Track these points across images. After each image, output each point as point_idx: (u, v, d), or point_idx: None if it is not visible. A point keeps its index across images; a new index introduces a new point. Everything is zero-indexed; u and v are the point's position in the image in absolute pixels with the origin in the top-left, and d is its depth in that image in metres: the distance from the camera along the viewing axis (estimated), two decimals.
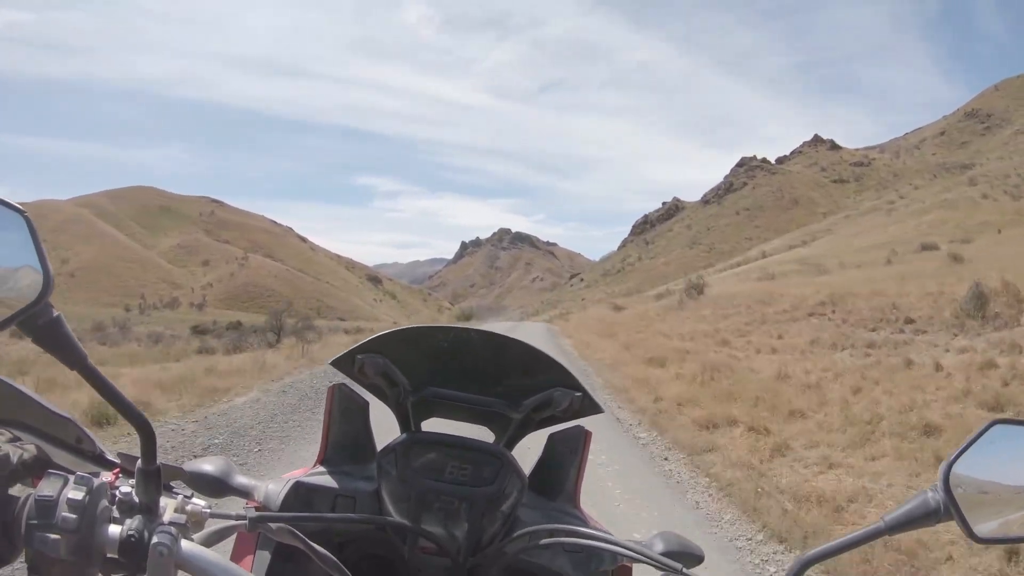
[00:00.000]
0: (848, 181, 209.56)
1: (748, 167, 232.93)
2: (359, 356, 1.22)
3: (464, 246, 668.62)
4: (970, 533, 0.91)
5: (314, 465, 1.28)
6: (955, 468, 0.92)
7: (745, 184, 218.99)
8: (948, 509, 0.90)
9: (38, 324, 0.82)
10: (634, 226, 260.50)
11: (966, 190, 76.81)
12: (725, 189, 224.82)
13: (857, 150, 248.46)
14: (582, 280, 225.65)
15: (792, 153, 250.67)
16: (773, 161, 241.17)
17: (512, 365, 1.30)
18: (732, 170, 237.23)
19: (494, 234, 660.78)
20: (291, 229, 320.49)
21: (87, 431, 0.94)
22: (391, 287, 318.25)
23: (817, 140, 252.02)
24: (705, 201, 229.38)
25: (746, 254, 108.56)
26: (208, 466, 1.11)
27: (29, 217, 0.84)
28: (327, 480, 1.22)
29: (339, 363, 1.25)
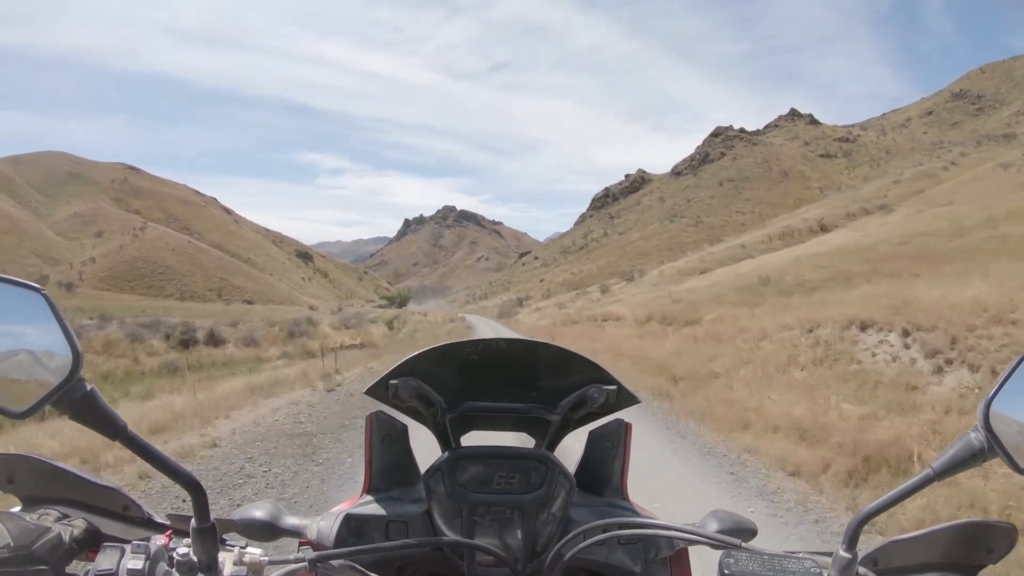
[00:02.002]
0: (836, 156, 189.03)
1: (724, 137, 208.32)
2: (392, 381, 1.21)
3: (407, 223, 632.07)
4: (1016, 467, 0.91)
5: (361, 495, 1.28)
6: (993, 406, 0.90)
7: (723, 155, 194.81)
8: (992, 447, 0.90)
9: (74, 400, 0.83)
10: (594, 200, 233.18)
11: None
12: (700, 160, 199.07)
13: (838, 126, 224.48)
14: (536, 259, 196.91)
15: (767, 127, 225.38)
16: (742, 134, 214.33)
17: (544, 368, 1.28)
18: (706, 140, 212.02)
19: (438, 212, 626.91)
20: (215, 200, 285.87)
21: (133, 497, 0.95)
22: (323, 264, 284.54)
23: (794, 114, 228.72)
24: (677, 173, 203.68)
25: (773, 224, 79.88)
26: (257, 512, 1.11)
27: (48, 295, 0.84)
28: (376, 508, 1.22)
29: (373, 391, 1.24)
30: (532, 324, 50.32)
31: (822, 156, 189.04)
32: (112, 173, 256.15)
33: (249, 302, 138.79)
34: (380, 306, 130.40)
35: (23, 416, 0.84)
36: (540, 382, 1.29)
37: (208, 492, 0.69)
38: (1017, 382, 0.91)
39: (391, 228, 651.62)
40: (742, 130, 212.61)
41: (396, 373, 1.22)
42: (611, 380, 1.26)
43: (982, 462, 0.91)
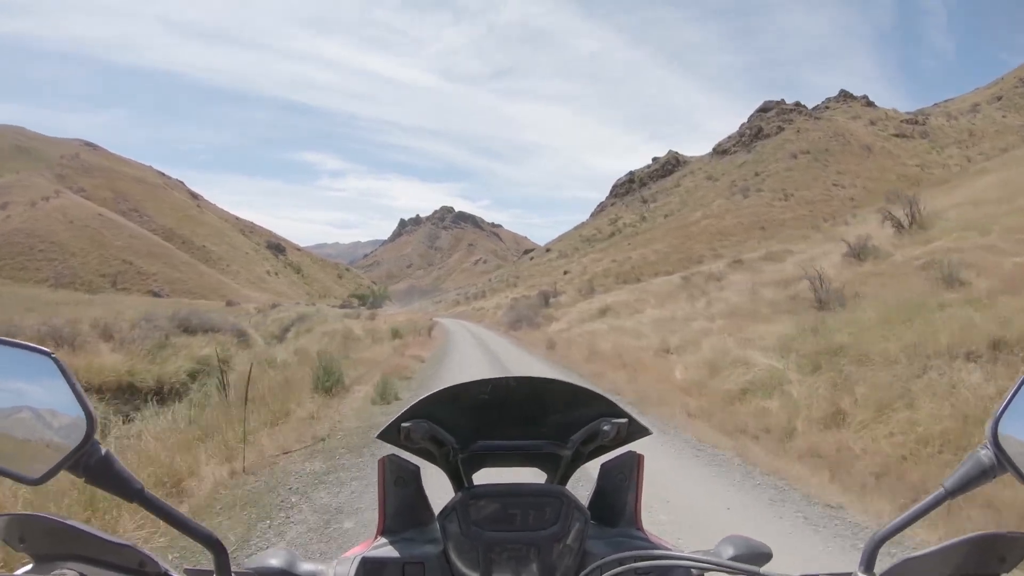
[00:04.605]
0: (911, 137, 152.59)
1: (778, 111, 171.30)
2: (404, 424, 1.19)
3: (403, 224, 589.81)
4: None
5: (375, 537, 1.25)
6: (1001, 423, 0.89)
7: (781, 129, 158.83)
8: (1002, 463, 0.88)
9: (89, 464, 0.81)
10: (615, 186, 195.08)
11: None
12: (753, 135, 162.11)
13: (896, 111, 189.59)
14: (548, 251, 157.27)
15: (815, 108, 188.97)
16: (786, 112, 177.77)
17: (554, 404, 1.26)
18: (754, 115, 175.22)
19: (435, 212, 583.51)
20: (181, 183, 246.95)
21: (148, 553, 0.89)
22: (297, 258, 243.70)
23: (846, 95, 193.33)
24: (722, 151, 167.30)
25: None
26: (273, 560, 1.08)
27: (58, 359, 0.82)
28: (392, 550, 1.19)
29: (385, 435, 1.22)
30: None
31: (896, 136, 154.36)
32: (65, 149, 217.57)
33: (156, 293, 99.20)
34: (345, 305, 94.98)
35: (39, 482, 0.81)
36: (550, 418, 1.27)
37: None
38: (1023, 399, 0.90)
39: (389, 231, 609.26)
40: (797, 104, 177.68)
41: (408, 416, 1.20)
42: (621, 413, 1.25)
43: (993, 478, 0.91)
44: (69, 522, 0.87)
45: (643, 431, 1.27)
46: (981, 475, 0.90)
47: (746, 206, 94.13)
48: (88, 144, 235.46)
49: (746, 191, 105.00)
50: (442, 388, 1.22)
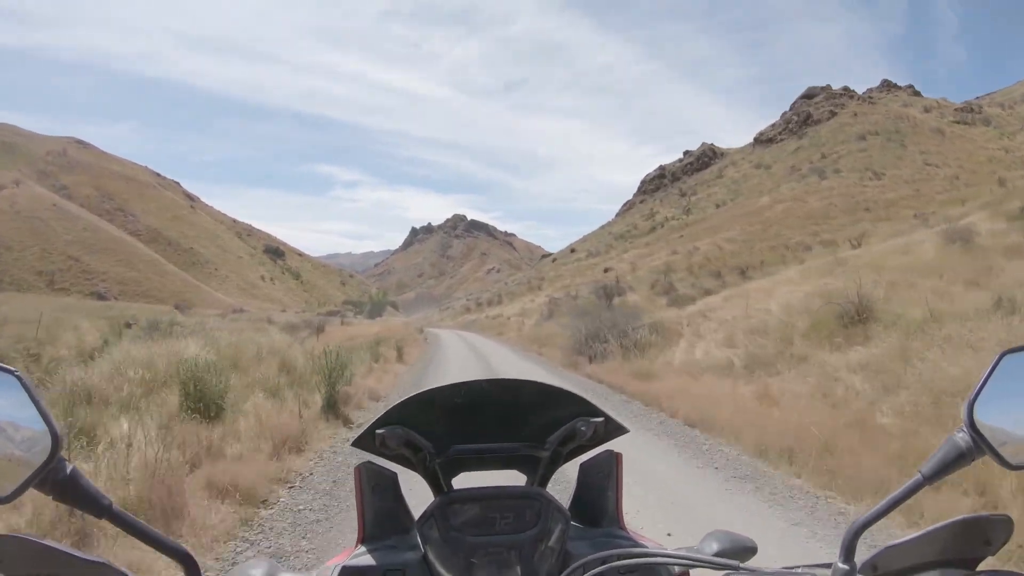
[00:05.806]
0: (974, 124, 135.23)
1: (826, 96, 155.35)
2: (378, 431, 1.16)
3: (414, 232, 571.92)
4: (1005, 464, 0.87)
5: (356, 546, 1.21)
6: (976, 406, 0.87)
7: (834, 114, 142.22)
8: (979, 446, 0.86)
9: (56, 481, 0.79)
10: (643, 182, 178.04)
11: None
12: (800, 121, 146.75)
13: (946, 100, 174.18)
14: (573, 251, 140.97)
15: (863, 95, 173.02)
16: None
17: (530, 405, 1.23)
18: (798, 102, 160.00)
19: (447, 220, 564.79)
20: (176, 184, 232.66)
21: (123, 569, 0.87)
22: (297, 264, 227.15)
23: (889, 85, 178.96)
24: (767, 140, 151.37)
25: None
26: (253, 571, 1.04)
27: (22, 376, 0.80)
28: (372, 558, 1.15)
29: (360, 442, 1.19)
30: None
31: (957, 123, 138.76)
32: (53, 146, 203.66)
33: (100, 295, 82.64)
34: (333, 312, 79.08)
35: (6, 501, 0.79)
36: (527, 419, 1.24)
37: None
38: (998, 381, 0.89)
39: (402, 241, 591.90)
40: (846, 88, 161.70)
41: (382, 422, 1.17)
42: (598, 412, 1.22)
43: (970, 462, 0.89)
44: (44, 542, 0.85)
45: (620, 429, 1.24)
46: (959, 459, 0.88)
47: (828, 188, 77.11)
48: (79, 142, 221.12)
49: (822, 173, 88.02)
50: (416, 393, 1.19)
